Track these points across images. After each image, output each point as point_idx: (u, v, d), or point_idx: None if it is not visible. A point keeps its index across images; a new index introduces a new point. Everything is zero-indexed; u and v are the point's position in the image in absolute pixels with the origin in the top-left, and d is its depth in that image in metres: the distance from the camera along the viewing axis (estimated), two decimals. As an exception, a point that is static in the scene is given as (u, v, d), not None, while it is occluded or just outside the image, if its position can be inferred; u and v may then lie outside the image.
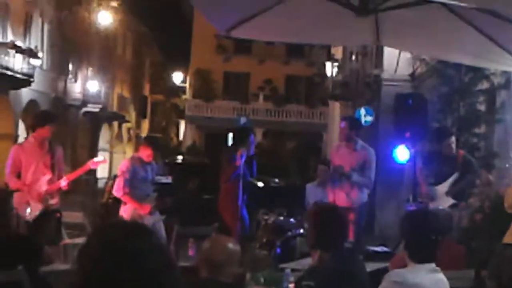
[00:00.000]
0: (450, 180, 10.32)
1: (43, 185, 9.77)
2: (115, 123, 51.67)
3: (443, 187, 10.33)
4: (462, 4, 6.31)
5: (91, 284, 2.23)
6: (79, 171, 10.31)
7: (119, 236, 2.28)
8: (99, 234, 2.34)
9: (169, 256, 2.38)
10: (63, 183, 9.85)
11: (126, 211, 10.46)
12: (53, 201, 9.88)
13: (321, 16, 7.24)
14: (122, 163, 11.18)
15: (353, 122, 11.48)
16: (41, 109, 31.73)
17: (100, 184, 34.90)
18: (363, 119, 20.42)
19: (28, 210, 9.67)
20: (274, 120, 48.60)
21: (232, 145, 11.25)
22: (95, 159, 10.54)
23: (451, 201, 10.23)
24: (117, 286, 2.22)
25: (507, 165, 10.69)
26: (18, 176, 9.82)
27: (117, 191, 10.59)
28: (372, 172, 10.81)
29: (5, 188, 10.28)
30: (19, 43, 30.38)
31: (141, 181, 10.58)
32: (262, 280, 5.89)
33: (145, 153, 10.61)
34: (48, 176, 9.82)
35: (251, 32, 8.21)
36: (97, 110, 43.20)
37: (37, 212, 9.73)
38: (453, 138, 10.80)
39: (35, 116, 10.67)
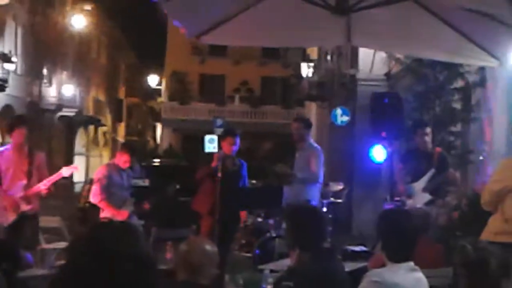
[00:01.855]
0: (427, 176, 10.34)
1: (18, 191, 9.75)
2: (91, 127, 51.50)
3: (420, 184, 10.36)
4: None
5: (75, 278, 2.25)
6: (53, 179, 10.22)
7: (107, 235, 2.31)
8: (89, 232, 2.37)
9: (151, 259, 2.40)
10: (42, 187, 9.84)
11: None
12: (29, 207, 9.83)
13: (293, 19, 7.24)
14: (98, 169, 11.16)
15: (307, 122, 11.62)
16: (16, 114, 31.59)
17: (77, 188, 34.75)
18: (339, 119, 20.44)
19: (4, 215, 9.65)
20: (251, 122, 48.45)
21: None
22: (67, 168, 10.46)
23: (427, 197, 10.25)
24: (96, 282, 2.23)
25: (480, 158, 10.71)
26: None
27: (94, 197, 10.57)
28: (316, 167, 10.89)
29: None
30: (-8, 48, 30.23)
31: (117, 188, 10.57)
32: (241, 281, 5.88)
33: (122, 159, 10.62)
34: (23, 182, 9.80)
35: (223, 38, 8.20)
36: (72, 114, 43.01)
37: (12, 218, 9.69)
38: (428, 130, 10.78)
39: (5, 124, 10.69)
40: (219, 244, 10.13)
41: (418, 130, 10.72)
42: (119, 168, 10.63)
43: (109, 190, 10.48)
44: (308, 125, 11.46)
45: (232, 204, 10.56)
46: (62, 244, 11.43)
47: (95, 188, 10.61)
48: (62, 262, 2.35)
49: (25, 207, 9.80)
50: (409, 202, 10.25)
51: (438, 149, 10.99)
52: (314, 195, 10.90)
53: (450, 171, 10.36)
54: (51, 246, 11.46)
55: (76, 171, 10.91)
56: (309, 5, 6.50)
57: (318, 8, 6.56)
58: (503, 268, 4.48)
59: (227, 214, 10.48)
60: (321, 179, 11.07)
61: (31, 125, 10.39)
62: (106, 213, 10.43)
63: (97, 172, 10.85)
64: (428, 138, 10.64)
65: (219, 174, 10.43)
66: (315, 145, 11.30)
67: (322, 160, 11.07)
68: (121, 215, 10.34)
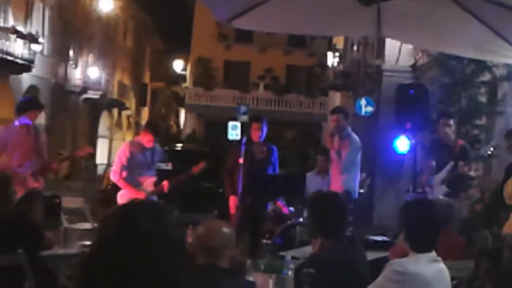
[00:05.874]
0: (447, 168, 10.31)
1: (27, 169, 9.85)
2: (115, 110, 51.63)
3: (440, 176, 10.34)
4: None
5: (105, 256, 2.25)
6: (68, 158, 10.30)
7: (142, 216, 2.30)
8: (123, 211, 2.36)
9: (182, 243, 2.40)
10: (54, 165, 9.98)
11: (122, 197, 10.38)
12: (37, 184, 9.89)
13: (322, 7, 7.22)
14: (120, 147, 11.06)
15: (346, 112, 11.55)
16: (41, 95, 31.74)
17: (99, 170, 34.92)
18: (363, 110, 20.37)
19: None
20: (274, 110, 48.20)
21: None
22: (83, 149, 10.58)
23: (444, 189, 10.22)
24: (126, 262, 2.23)
25: (488, 152, 10.62)
26: None
27: (113, 176, 10.54)
28: (350, 157, 10.90)
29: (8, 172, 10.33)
30: (20, 28, 30.31)
31: (138, 167, 10.45)
32: (262, 267, 5.89)
33: (146, 139, 10.48)
34: (31, 159, 9.91)
35: (252, 23, 8.17)
36: (97, 96, 43.14)
37: (19, 196, 9.75)
38: (451, 121, 10.76)
39: (19, 102, 10.81)
40: (250, 232, 10.33)
41: (441, 120, 10.71)
42: (142, 146, 10.51)
43: (129, 169, 10.39)
44: (347, 115, 11.39)
45: (259, 192, 10.62)
46: (84, 225, 11.48)
47: (115, 166, 10.58)
48: (89, 241, 2.36)
49: (33, 184, 9.86)
50: (430, 194, 10.23)
51: (460, 141, 10.94)
52: (349, 185, 10.85)
53: (460, 164, 10.28)
54: (73, 226, 11.53)
55: (90, 152, 10.96)
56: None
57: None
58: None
59: (255, 203, 10.59)
60: (350, 169, 11.03)
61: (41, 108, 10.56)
62: (125, 192, 10.40)
63: (119, 150, 10.77)
64: (449, 130, 10.60)
65: (241, 161, 10.48)
66: (354, 135, 11.20)
67: (358, 151, 11.03)
68: (139, 195, 10.26)
